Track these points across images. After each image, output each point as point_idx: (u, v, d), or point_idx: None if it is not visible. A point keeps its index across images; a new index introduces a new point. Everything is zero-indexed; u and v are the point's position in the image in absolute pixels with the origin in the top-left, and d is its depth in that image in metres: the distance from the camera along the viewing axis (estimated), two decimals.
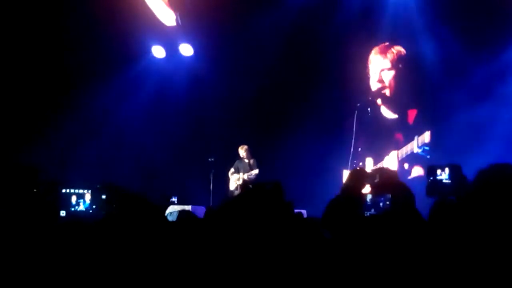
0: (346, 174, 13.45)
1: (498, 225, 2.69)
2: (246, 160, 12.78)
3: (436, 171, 5.59)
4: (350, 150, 13.13)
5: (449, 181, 5.44)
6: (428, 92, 12.95)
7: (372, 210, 5.43)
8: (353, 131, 13.45)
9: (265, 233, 2.34)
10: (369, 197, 4.22)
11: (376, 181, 4.21)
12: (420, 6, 12.92)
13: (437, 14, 12.58)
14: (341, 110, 13.73)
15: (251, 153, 12.82)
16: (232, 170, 12.84)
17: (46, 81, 13.34)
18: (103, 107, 13.76)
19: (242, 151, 12.79)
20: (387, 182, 4.27)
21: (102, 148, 13.50)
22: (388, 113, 13.68)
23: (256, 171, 12.54)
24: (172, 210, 9.74)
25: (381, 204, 4.64)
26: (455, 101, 12.32)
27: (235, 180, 12.79)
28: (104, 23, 13.12)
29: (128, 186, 10.96)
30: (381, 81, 13.66)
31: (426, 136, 12.74)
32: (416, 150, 12.79)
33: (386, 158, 13.37)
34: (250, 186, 11.58)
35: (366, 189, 4.20)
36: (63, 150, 12.96)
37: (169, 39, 14.34)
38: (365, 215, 4.29)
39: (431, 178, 5.52)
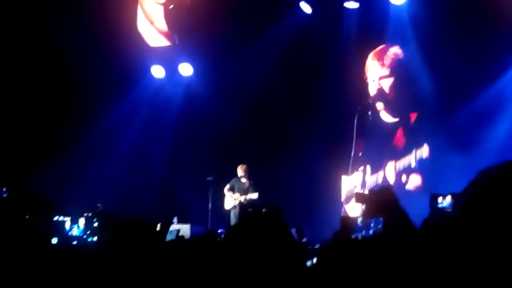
0: (345, 180, 13.51)
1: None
2: (244, 180, 12.66)
3: (437, 199, 5.61)
4: (350, 155, 13.16)
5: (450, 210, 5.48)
6: (428, 93, 12.94)
7: (363, 232, 5.45)
8: (353, 135, 13.44)
9: (266, 263, 2.44)
10: (359, 219, 4.27)
11: (366, 204, 4.24)
12: (421, 10, 12.97)
13: (437, 16, 12.60)
14: (340, 116, 13.71)
15: (249, 173, 12.73)
16: (228, 186, 12.73)
17: (46, 102, 13.41)
18: (103, 127, 13.85)
19: (241, 171, 12.67)
20: (379, 206, 4.28)
21: (100, 168, 13.57)
22: (387, 117, 13.66)
23: (255, 196, 12.32)
24: (171, 229, 9.79)
25: (371, 224, 4.69)
26: (455, 103, 12.37)
27: (231, 199, 12.68)
28: (104, 44, 13.25)
29: (126, 205, 11.12)
30: (380, 89, 13.66)
31: (424, 151, 12.71)
32: (414, 164, 12.77)
33: (384, 170, 13.34)
34: (250, 210, 11.64)
35: (357, 211, 4.25)
36: (65, 171, 13.02)
37: (168, 59, 14.46)
38: (355, 237, 4.33)
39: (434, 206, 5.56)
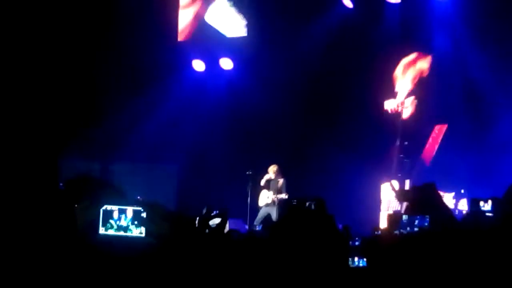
0: (386, 187, 13.40)
1: None
2: (276, 178, 12.71)
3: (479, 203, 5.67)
4: (393, 159, 13.07)
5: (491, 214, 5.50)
6: (460, 106, 12.81)
7: (408, 229, 5.40)
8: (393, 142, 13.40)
9: (313, 252, 2.42)
10: (404, 216, 4.23)
11: (410, 201, 4.23)
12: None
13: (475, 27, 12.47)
14: (376, 123, 13.66)
15: (282, 172, 12.77)
16: (263, 183, 12.81)
17: (82, 93, 13.48)
18: (142, 121, 13.98)
19: (271, 172, 12.74)
20: (422, 203, 4.26)
21: (138, 161, 13.72)
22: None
23: (285, 196, 12.42)
24: (212, 223, 9.79)
25: (416, 222, 4.65)
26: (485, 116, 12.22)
27: (264, 196, 12.77)
28: (145, 36, 13.32)
29: (166, 199, 11.22)
30: (406, 101, 13.57)
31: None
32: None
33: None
34: (294, 202, 11.62)
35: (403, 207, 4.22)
36: (101, 160, 13.16)
37: (210, 53, 14.52)
38: (400, 233, 4.30)
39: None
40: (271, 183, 12.74)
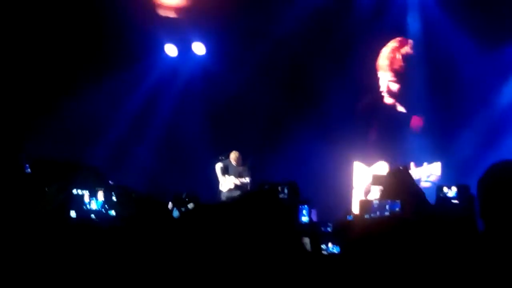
0: (360, 167, 13.50)
1: None
2: (237, 165, 12.62)
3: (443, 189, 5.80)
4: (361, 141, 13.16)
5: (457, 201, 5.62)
6: (442, 95, 12.91)
7: (377, 213, 5.44)
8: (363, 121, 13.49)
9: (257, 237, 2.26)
10: (375, 201, 4.25)
11: (384, 186, 4.23)
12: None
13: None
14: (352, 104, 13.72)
15: (242, 160, 12.67)
16: (220, 168, 12.66)
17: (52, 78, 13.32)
18: (113, 105, 13.88)
19: (233, 159, 12.61)
20: (396, 187, 4.26)
21: (109, 147, 13.62)
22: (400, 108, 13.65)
23: (247, 180, 12.38)
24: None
25: (386, 206, 4.68)
26: (467, 104, 12.31)
27: (226, 181, 12.62)
28: (116, 20, 13.18)
29: (137, 184, 11.15)
30: (390, 91, 13.63)
31: (437, 169, 12.61)
32: (424, 179, 12.64)
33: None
34: (266, 186, 11.58)
35: (375, 193, 4.24)
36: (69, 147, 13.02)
37: (182, 37, 14.41)
38: (371, 217, 4.32)
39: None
40: (232, 170, 12.62)
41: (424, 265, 2.76)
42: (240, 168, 12.60)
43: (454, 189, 6.01)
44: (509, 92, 12.29)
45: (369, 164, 13.58)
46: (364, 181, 13.31)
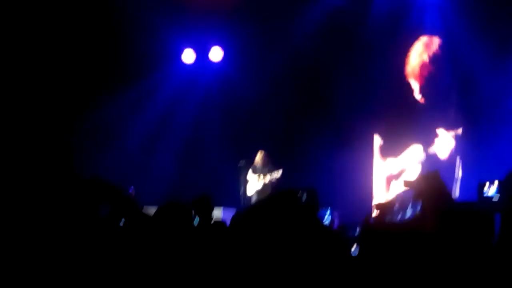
0: (381, 163, 13.35)
1: None
2: (263, 165, 12.60)
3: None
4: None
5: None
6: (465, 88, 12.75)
7: (400, 215, 5.41)
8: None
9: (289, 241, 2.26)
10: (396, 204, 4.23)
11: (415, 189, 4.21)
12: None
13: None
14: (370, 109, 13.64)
15: (269, 160, 12.66)
16: (250, 172, 12.67)
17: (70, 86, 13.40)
18: (132, 114, 13.99)
19: (259, 158, 12.63)
20: (426, 191, 4.24)
21: (129, 152, 13.69)
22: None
23: (279, 173, 12.30)
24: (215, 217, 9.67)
25: (407, 208, 4.64)
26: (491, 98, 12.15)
27: (255, 181, 12.56)
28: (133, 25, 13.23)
29: (157, 192, 11.23)
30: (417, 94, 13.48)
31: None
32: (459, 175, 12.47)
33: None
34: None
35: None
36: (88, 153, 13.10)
37: (201, 41, 14.43)
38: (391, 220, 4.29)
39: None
40: (258, 171, 12.59)
41: (436, 272, 2.73)
42: (266, 169, 12.53)
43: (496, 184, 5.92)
44: None
45: (389, 166, 13.49)
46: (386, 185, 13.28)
